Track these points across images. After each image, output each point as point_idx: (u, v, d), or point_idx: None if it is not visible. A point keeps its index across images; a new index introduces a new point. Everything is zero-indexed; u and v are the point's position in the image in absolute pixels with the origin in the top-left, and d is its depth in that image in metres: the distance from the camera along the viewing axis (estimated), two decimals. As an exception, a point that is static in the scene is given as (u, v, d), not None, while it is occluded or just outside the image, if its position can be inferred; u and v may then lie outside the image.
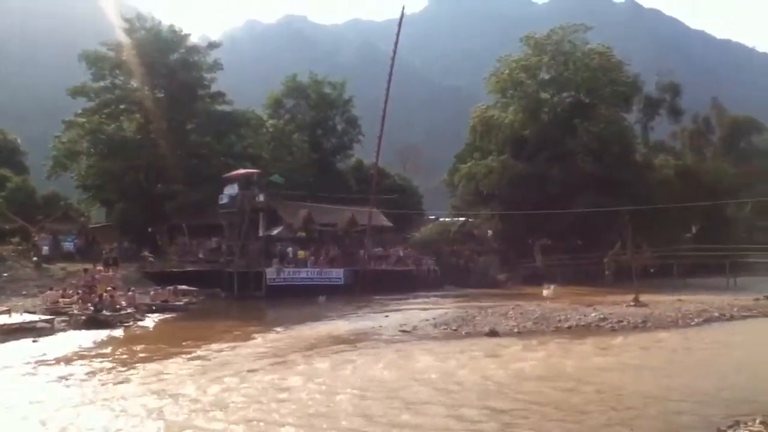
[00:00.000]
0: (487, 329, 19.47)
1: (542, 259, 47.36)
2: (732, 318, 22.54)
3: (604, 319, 21.40)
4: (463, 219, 51.30)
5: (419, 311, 26.04)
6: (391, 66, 42.31)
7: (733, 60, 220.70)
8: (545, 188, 47.57)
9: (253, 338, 19.11)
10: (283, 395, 11.41)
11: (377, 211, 44.76)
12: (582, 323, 20.91)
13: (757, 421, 8.73)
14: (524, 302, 28.14)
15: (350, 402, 10.88)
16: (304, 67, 66.30)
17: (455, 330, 19.95)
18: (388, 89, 41.83)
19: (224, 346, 17.38)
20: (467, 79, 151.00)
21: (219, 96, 48.16)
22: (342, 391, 11.67)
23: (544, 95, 55.26)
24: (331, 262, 38.29)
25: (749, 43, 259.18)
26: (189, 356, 15.75)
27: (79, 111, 44.72)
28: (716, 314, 22.72)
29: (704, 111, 70.30)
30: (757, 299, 27.89)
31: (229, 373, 13.34)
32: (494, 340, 17.94)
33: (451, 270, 43.72)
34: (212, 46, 49.45)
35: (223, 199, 38.46)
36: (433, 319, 22.43)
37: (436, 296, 34.88)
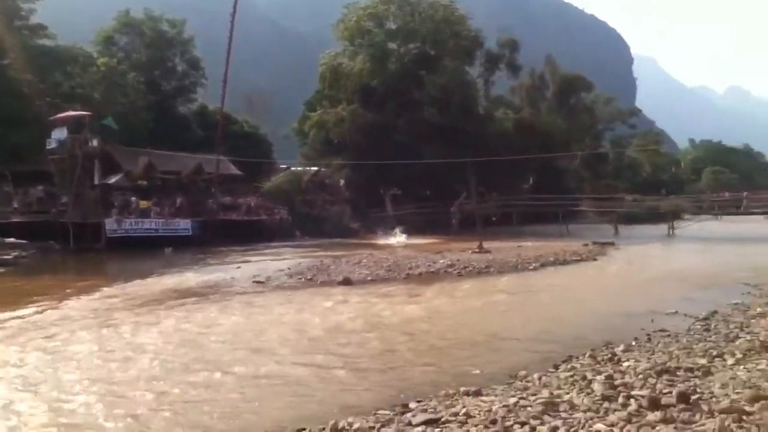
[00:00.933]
0: (341, 278, 19.57)
1: (393, 208, 48.68)
2: (565, 262, 24.43)
3: (452, 265, 22.36)
4: (315, 168, 51.09)
5: (273, 261, 25.63)
6: (235, 5, 40.27)
7: (566, 20, 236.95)
8: (394, 138, 48.49)
9: (80, 296, 17.27)
10: (88, 361, 10.08)
11: (225, 159, 43.13)
12: (431, 269, 21.69)
13: (587, 355, 9.54)
14: (377, 251, 28.79)
15: (171, 361, 9.96)
16: (140, 4, 60.98)
17: (310, 279, 19.85)
18: (231, 30, 39.84)
19: (39, 307, 15.43)
20: (313, 24, 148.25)
21: (40, 29, 43.19)
22: (169, 350, 10.72)
23: (392, 45, 55.89)
24: (177, 213, 36.45)
25: (580, 5, 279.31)
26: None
27: None
28: (551, 259, 24.56)
29: (539, 67, 74.86)
30: (586, 244, 30.79)
31: (21, 341, 11.54)
32: (348, 288, 18.09)
33: (304, 220, 43.60)
34: None
35: (51, 144, 35.08)
36: (288, 269, 22.19)
37: (289, 246, 34.53)
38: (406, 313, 14.19)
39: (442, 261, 23.36)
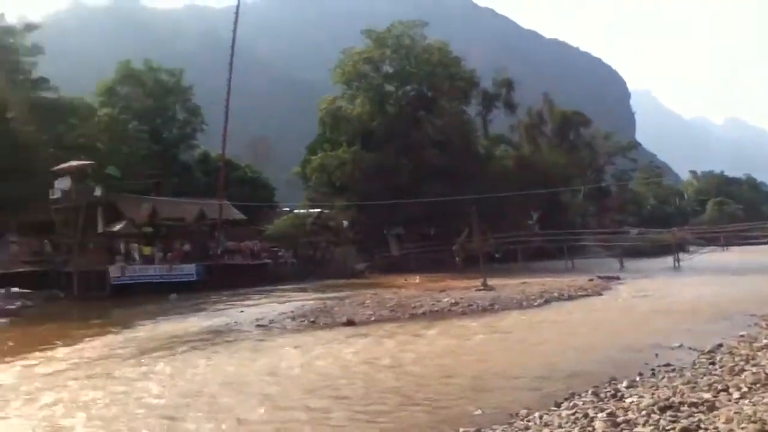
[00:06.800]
0: (344, 319, 19.52)
1: (397, 248, 48.63)
2: (570, 298, 24.39)
3: (456, 303, 22.32)
4: (318, 210, 51.27)
5: (277, 305, 25.52)
6: (231, 55, 41.34)
7: (560, 58, 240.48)
8: (396, 179, 48.77)
9: (83, 344, 17.21)
10: (97, 406, 10.32)
11: (228, 203, 43.38)
12: (435, 308, 21.64)
13: (590, 392, 9.43)
14: (381, 291, 28.70)
15: (172, 408, 10.14)
16: (141, 54, 61.98)
17: (313, 322, 19.74)
18: (230, 78, 40.77)
19: (41, 356, 15.60)
20: (312, 71, 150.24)
21: (42, 82, 43.93)
22: (170, 395, 10.88)
23: (389, 88, 56.80)
24: (181, 258, 36.52)
25: (574, 43, 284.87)
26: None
27: None
28: (556, 295, 24.50)
29: (537, 105, 75.84)
30: (591, 279, 30.62)
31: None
32: (351, 330, 17.99)
33: (308, 262, 43.64)
34: (30, 27, 44.86)
35: (55, 194, 35.33)
36: (291, 312, 22.11)
37: (294, 289, 34.31)
38: (406, 353, 14.11)
39: (446, 299, 23.29)
